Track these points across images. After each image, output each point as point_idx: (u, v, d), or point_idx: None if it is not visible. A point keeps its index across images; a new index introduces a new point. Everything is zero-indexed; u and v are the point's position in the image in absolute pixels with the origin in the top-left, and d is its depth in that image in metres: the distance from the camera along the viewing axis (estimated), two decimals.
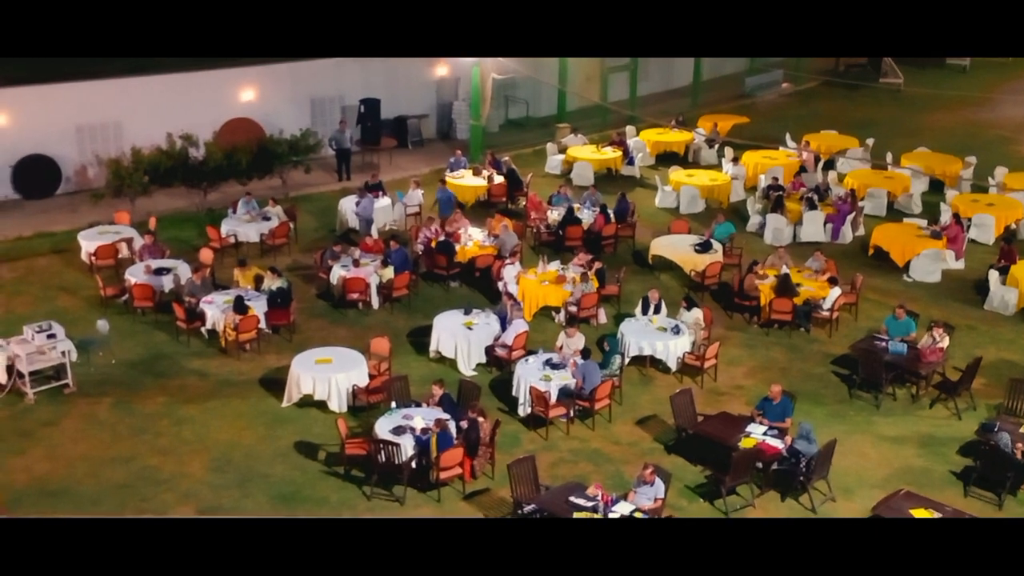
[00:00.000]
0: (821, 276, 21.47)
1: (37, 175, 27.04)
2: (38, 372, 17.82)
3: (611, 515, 13.92)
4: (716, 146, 31.90)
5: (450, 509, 15.15)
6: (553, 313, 21.06)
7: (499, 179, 27.36)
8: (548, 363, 17.94)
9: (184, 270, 21.47)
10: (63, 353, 17.96)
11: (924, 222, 25.26)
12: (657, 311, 19.98)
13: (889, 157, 30.14)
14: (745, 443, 15.81)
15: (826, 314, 20.61)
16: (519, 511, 14.67)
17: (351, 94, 31.38)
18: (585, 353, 17.98)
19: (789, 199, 26.46)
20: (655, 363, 19.20)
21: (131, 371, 18.90)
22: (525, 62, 31.38)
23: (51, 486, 15.41)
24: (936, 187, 28.77)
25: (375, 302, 21.50)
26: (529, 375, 17.61)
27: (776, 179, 28.08)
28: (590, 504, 14.07)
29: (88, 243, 22.93)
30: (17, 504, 14.69)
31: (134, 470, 15.92)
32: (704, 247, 23.16)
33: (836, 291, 20.64)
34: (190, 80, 28.48)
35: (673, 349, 19.04)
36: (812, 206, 25.76)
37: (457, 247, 22.82)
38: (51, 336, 17.96)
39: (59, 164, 27.34)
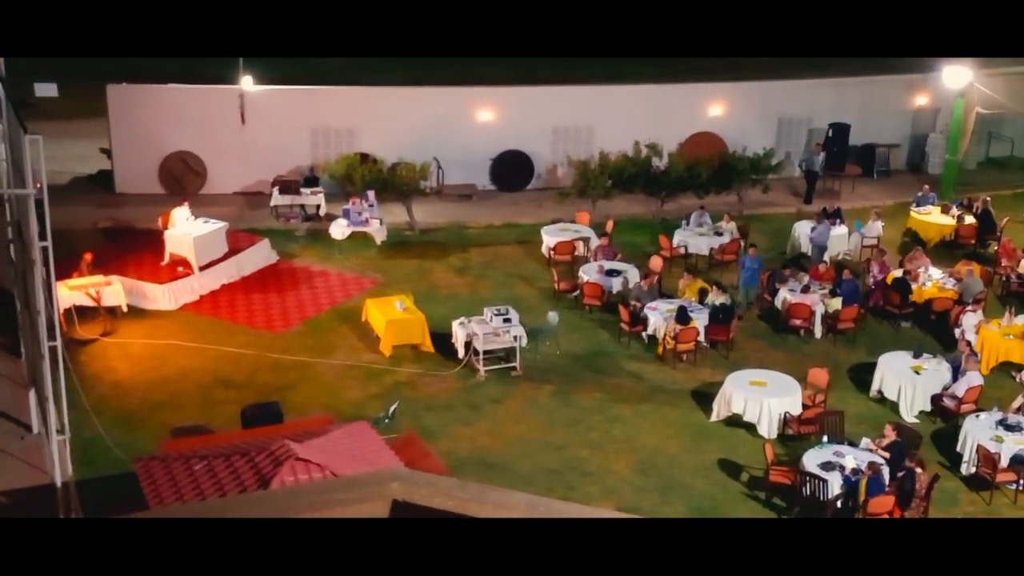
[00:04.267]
0: None
1: (513, 169, 29.08)
2: (491, 352, 19.16)
3: None
4: None
5: None
6: (1013, 372, 19.33)
7: (969, 220, 25.54)
8: (1002, 423, 16.48)
9: (633, 274, 22.12)
10: (515, 338, 19.17)
11: None
12: None
13: None
14: None
15: None
16: None
17: (821, 117, 30.67)
18: None
19: None
20: None
21: (573, 364, 19.78)
22: (1017, 97, 28.97)
23: (490, 459, 16.54)
24: None
25: (818, 331, 20.88)
26: (979, 432, 16.30)
27: None
28: None
29: (549, 238, 24.29)
30: (458, 471, 15.84)
31: (565, 458, 16.68)
32: None
33: None
34: (661, 92, 29.30)
35: None
36: None
37: (913, 286, 21.60)
38: (507, 320, 19.23)
39: (533, 161, 29.22)
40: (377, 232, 24.76)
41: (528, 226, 26.14)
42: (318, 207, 26.14)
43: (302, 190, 26.14)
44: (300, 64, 24.85)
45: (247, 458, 12.12)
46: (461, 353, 19.36)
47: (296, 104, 27.60)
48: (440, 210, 27.20)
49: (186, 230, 22.39)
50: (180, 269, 21.88)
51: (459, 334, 19.40)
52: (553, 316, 20.72)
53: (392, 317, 19.78)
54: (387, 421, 16.90)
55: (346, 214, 24.74)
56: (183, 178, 27.32)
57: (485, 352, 19.03)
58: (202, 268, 22.05)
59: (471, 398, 18.40)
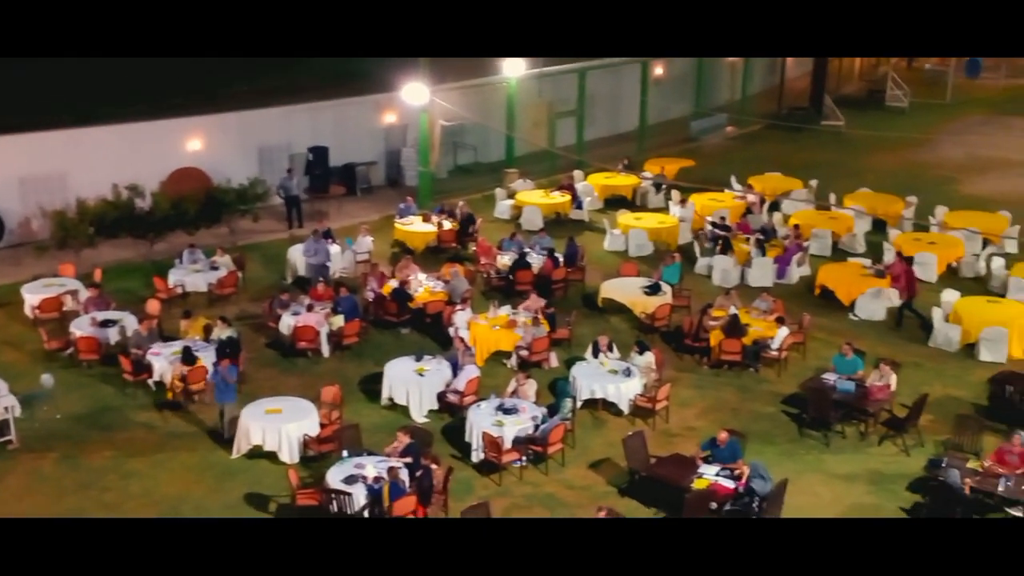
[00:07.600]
0: (769, 316, 21.70)
1: None
2: None
3: None
4: (663, 189, 32.26)
5: None
6: (504, 360, 21.06)
7: (448, 225, 27.43)
8: (501, 408, 17.91)
9: (130, 322, 21.21)
10: (6, 409, 17.64)
11: (868, 261, 25.66)
12: (610, 350, 20.05)
13: (832, 198, 30.64)
14: (698, 484, 15.86)
15: (775, 354, 20.80)
16: None
17: (299, 142, 31.39)
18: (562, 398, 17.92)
19: (736, 240, 26.76)
20: (607, 406, 19.23)
21: (76, 425, 18.59)
22: (472, 108, 31.59)
23: None
24: (879, 227, 29.26)
25: (325, 350, 21.35)
26: (481, 421, 17.56)
27: (723, 218, 28.47)
28: None
29: (32, 296, 22.62)
30: None
31: None
32: (653, 289, 23.32)
33: (784, 331, 20.85)
34: (136, 130, 28.37)
35: (624, 391, 19.10)
36: (762, 250, 26.04)
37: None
38: None
39: (2, 217, 26.99)
40: None
41: (6, 286, 24.18)
42: None
43: None
44: None
45: None
46: None
47: None
48: None
49: None
50: None
51: None
52: (47, 379, 19.37)
53: None
54: None
55: None
56: None
57: None
58: None
59: None
